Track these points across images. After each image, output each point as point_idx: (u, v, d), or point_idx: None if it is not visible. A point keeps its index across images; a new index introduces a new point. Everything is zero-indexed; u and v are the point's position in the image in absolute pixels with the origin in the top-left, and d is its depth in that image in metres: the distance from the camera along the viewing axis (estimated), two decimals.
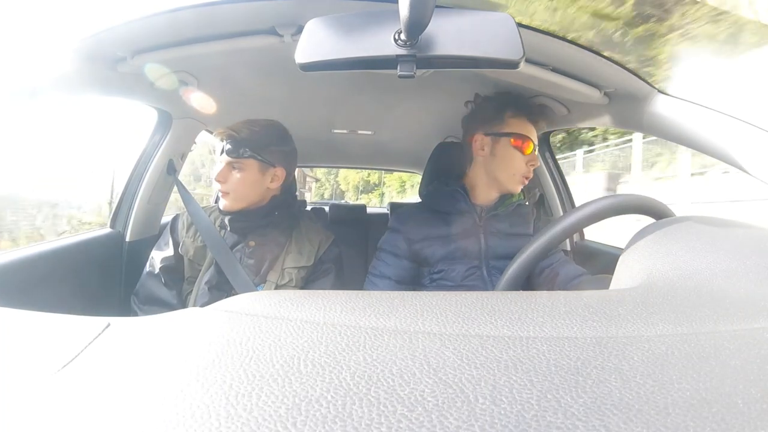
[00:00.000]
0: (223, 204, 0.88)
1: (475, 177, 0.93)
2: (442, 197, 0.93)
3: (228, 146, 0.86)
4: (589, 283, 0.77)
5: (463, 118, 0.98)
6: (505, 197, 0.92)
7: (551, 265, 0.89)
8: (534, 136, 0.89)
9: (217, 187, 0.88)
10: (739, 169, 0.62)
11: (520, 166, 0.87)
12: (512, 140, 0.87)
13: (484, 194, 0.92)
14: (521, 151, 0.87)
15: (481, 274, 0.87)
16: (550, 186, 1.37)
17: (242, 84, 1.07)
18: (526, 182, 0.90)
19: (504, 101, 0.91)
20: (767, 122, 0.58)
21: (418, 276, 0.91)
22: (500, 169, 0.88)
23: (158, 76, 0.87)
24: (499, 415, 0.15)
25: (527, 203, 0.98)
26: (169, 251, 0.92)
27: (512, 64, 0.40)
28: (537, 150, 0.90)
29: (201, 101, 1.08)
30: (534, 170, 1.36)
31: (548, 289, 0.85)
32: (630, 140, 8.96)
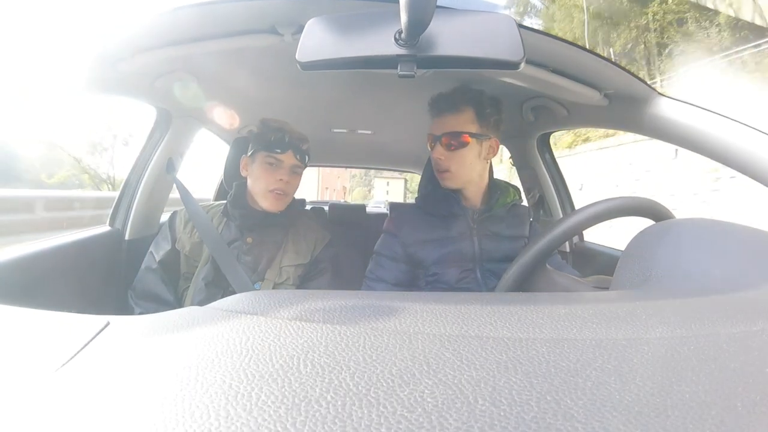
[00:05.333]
0: (270, 204, 0.89)
1: None
2: (435, 200, 0.93)
3: (302, 151, 0.90)
4: (588, 284, 0.77)
5: None
6: (496, 197, 0.91)
7: None
8: (435, 128, 0.87)
9: (266, 188, 0.87)
10: (739, 171, 0.62)
11: (435, 161, 0.88)
12: (429, 140, 0.89)
13: (464, 193, 0.91)
14: (432, 148, 0.88)
15: (475, 276, 0.87)
16: (550, 187, 1.37)
17: (242, 83, 1.07)
18: (447, 175, 0.87)
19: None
20: (765, 124, 0.58)
21: (415, 278, 0.91)
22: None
23: (158, 74, 0.87)
24: (499, 416, 0.15)
25: (523, 203, 0.97)
26: (167, 246, 0.92)
27: (513, 65, 0.40)
28: (439, 139, 0.86)
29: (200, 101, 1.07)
30: (533, 171, 1.38)
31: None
32: None
